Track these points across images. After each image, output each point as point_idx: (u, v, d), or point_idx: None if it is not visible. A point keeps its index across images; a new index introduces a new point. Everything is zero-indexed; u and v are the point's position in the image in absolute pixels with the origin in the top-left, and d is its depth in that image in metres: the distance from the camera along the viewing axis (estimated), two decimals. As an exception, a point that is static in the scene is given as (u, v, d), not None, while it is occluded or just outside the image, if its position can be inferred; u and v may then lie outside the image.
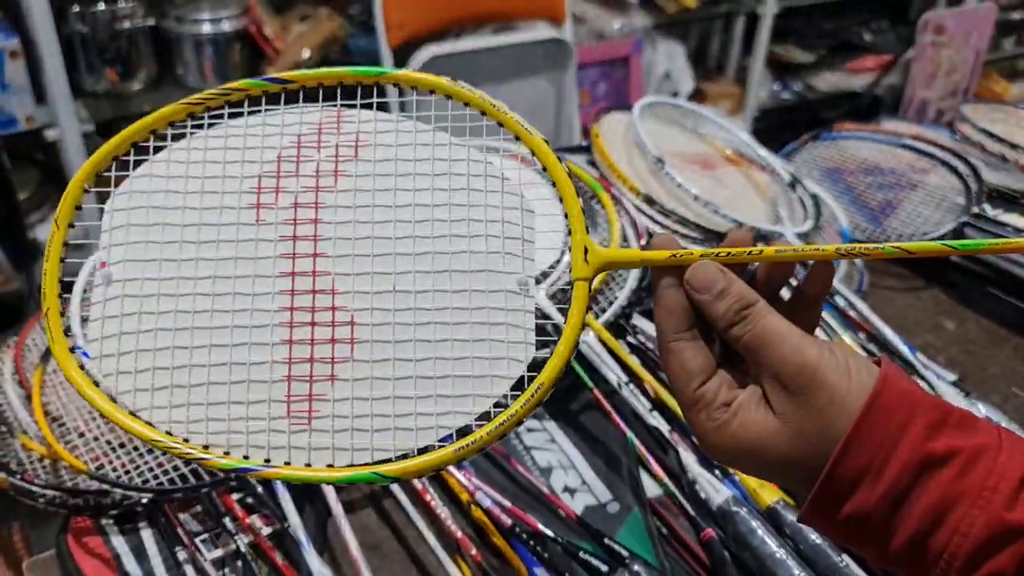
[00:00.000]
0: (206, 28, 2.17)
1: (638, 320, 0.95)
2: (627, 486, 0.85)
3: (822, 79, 3.16)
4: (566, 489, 0.86)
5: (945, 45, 3.20)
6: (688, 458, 0.77)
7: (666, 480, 0.78)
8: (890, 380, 0.43)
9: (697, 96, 2.90)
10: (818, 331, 0.86)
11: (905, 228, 1.20)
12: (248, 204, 0.49)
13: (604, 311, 0.91)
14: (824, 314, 0.99)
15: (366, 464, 0.45)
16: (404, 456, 0.45)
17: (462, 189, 0.50)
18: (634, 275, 0.93)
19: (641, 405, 0.82)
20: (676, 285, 0.46)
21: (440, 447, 0.44)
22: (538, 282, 0.90)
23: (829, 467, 0.42)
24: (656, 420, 0.81)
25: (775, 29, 2.93)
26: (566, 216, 0.49)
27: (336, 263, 0.48)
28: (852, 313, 0.99)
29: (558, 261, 0.90)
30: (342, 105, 0.52)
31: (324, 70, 0.51)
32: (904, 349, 0.94)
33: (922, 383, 0.92)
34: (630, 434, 0.82)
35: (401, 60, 2.13)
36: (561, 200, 0.50)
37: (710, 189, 1.05)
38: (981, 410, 0.87)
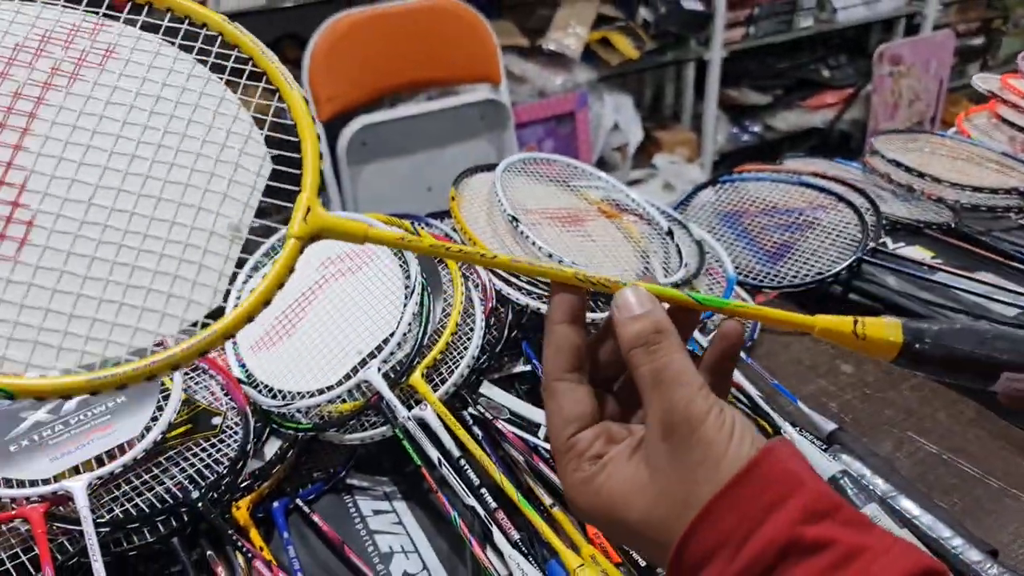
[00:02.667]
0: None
1: (486, 388, 0.90)
2: (468, 570, 0.80)
3: (781, 119, 3.15)
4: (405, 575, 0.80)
5: (904, 75, 3.18)
6: (502, 541, 0.72)
7: (488, 564, 0.73)
8: (775, 453, 0.39)
9: (651, 144, 2.89)
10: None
11: (800, 268, 1.15)
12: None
13: (444, 382, 0.86)
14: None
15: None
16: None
17: (201, 124, 0.47)
18: (476, 343, 0.88)
19: (461, 484, 0.76)
20: (568, 322, 0.45)
21: (77, 373, 0.41)
22: (372, 356, 0.86)
23: (683, 534, 0.38)
24: (474, 501, 0.75)
25: (727, 73, 2.93)
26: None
27: (38, 161, 0.45)
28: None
29: (392, 334, 0.86)
30: (105, 15, 0.50)
31: None
32: (763, 404, 0.89)
33: (789, 433, 0.86)
34: (453, 514, 0.76)
35: (333, 132, 2.13)
36: (301, 159, 0.47)
37: (573, 245, 1.01)
38: (841, 461, 0.81)
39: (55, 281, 0.43)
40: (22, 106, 0.46)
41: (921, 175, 1.31)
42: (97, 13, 0.50)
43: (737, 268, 1.15)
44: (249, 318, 0.43)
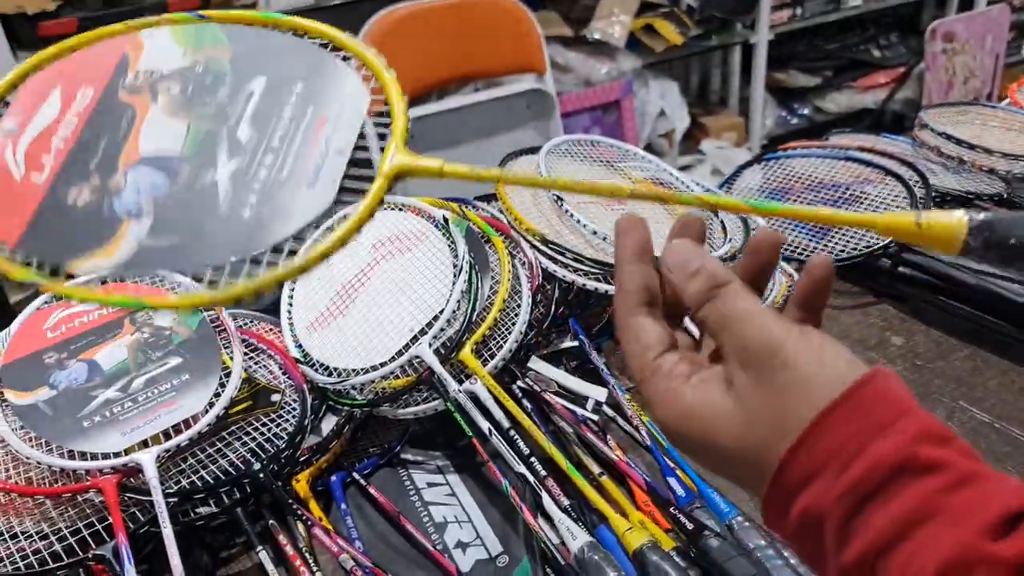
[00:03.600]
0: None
1: (535, 363, 0.92)
2: (520, 537, 0.82)
3: (831, 100, 3.10)
4: (459, 544, 0.82)
5: (958, 52, 3.11)
6: (551, 506, 0.73)
7: (538, 528, 0.75)
8: (883, 376, 0.38)
9: (698, 130, 2.88)
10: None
11: (848, 242, 1.14)
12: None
13: (493, 357, 0.88)
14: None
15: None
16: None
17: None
18: (523, 318, 0.90)
19: (511, 453, 0.78)
20: (635, 260, 0.45)
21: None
22: (423, 333, 0.89)
23: (785, 454, 0.38)
24: (524, 468, 0.77)
25: (774, 56, 2.90)
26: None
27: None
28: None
29: (443, 311, 0.88)
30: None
31: (238, 13, 0.56)
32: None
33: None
34: (505, 483, 0.78)
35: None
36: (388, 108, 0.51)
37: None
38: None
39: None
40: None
41: (972, 147, 1.29)
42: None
43: (784, 244, 1.15)
44: (343, 242, 0.46)
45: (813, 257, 0.45)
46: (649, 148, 2.73)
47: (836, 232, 1.16)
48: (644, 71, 2.67)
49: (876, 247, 1.11)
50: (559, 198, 1.00)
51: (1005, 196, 1.22)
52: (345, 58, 0.54)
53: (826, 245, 1.15)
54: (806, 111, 3.08)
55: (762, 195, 1.27)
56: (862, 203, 1.20)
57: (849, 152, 1.28)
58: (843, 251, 1.13)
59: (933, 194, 1.19)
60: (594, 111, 2.58)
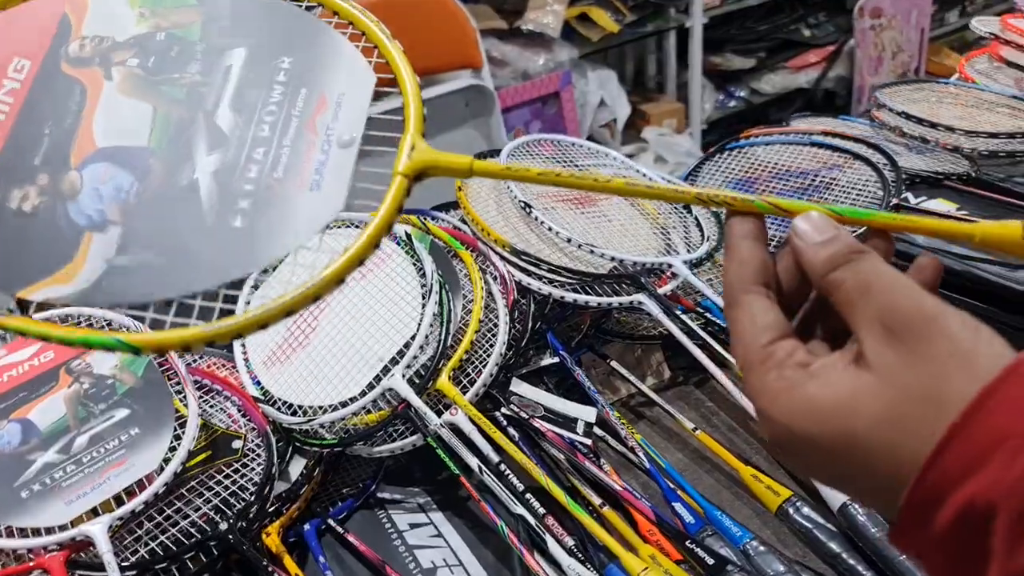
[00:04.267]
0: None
1: (517, 385, 0.85)
2: (518, 580, 0.75)
3: (767, 82, 3.10)
4: (452, 591, 0.76)
5: (885, 27, 3.14)
6: (557, 550, 0.67)
7: (542, 574, 0.68)
8: None
9: (639, 118, 2.84)
10: (710, 365, 0.77)
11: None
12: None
13: (472, 383, 0.82)
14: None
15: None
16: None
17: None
18: (502, 338, 0.84)
19: (505, 491, 0.72)
20: (752, 237, 0.42)
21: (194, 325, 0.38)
22: (395, 362, 0.81)
23: (949, 429, 0.32)
24: (522, 508, 0.71)
25: (709, 39, 2.88)
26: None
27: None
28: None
29: (413, 336, 0.81)
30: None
31: None
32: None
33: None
34: (501, 524, 0.72)
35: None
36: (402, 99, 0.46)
37: (589, 228, 0.97)
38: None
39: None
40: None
41: (933, 125, 1.27)
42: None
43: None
44: (359, 261, 0.40)
45: (922, 257, 0.43)
46: (591, 139, 2.68)
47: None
48: (581, 61, 2.62)
49: (855, 235, 1.07)
50: (527, 204, 0.94)
51: (972, 175, 1.19)
52: (337, 25, 0.47)
53: (800, 236, 1.11)
54: (743, 93, 3.07)
55: (728, 186, 1.23)
56: (831, 189, 1.17)
57: (813, 137, 1.24)
58: (818, 241, 1.09)
59: (903, 176, 1.16)
60: (533, 104, 2.52)
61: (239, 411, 0.85)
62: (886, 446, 0.34)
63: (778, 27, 3.16)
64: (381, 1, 2.14)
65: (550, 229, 0.91)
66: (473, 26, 2.24)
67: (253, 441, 0.82)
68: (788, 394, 0.37)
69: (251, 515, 0.75)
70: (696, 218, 1.03)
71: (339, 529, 0.80)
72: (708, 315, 0.92)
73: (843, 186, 1.16)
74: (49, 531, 0.69)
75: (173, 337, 0.38)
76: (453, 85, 2.20)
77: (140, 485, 0.73)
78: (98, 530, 0.68)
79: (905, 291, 0.36)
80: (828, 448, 0.36)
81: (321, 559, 0.77)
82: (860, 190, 1.15)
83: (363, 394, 0.81)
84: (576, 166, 1.08)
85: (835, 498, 0.73)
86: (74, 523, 0.69)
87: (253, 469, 0.80)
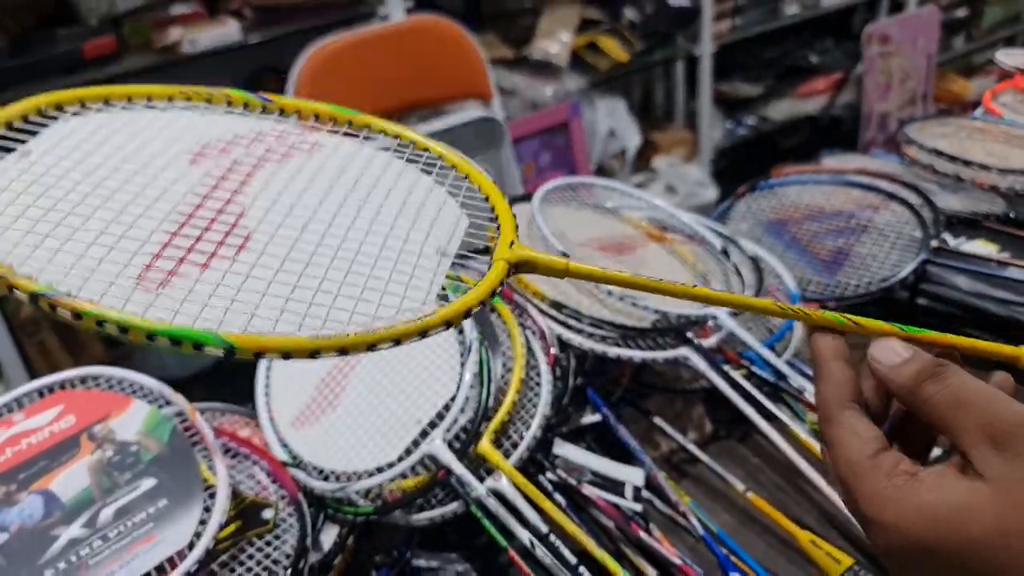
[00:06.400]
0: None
1: (560, 447, 0.81)
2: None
3: (775, 109, 3.08)
4: (499, 671, 0.72)
5: (893, 54, 3.12)
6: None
7: (602, 658, 0.64)
8: None
9: (649, 148, 2.82)
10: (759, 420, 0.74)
11: (862, 276, 1.07)
12: (193, 152, 0.55)
13: (515, 446, 0.78)
14: (779, 400, 0.86)
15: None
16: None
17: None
18: (545, 398, 0.80)
19: (559, 565, 0.68)
20: (840, 356, 0.45)
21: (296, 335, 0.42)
22: (433, 426, 0.78)
23: None
24: (578, 584, 0.67)
25: (717, 67, 2.86)
26: (495, 217, 0.51)
27: (254, 203, 0.51)
28: (808, 396, 0.86)
29: (453, 398, 0.78)
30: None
31: (304, 102, 0.60)
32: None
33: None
34: (554, 603, 0.68)
35: (327, 165, 2.04)
36: (489, 200, 0.53)
37: (628, 277, 0.93)
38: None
39: (274, 267, 0.47)
40: (239, 170, 0.54)
41: (967, 163, 1.24)
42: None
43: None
44: (467, 313, 0.45)
45: (997, 375, 0.44)
46: (601, 169, 2.66)
47: (848, 265, 1.09)
48: (590, 91, 2.60)
49: (893, 280, 1.04)
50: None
51: (1012, 215, 1.16)
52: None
53: (839, 281, 1.08)
54: (751, 121, 3.05)
55: (760, 227, 1.20)
56: (868, 231, 1.14)
57: (847, 177, 1.21)
58: (858, 286, 1.06)
59: (940, 217, 1.13)
60: (542, 135, 2.50)
61: (269, 477, 0.81)
62: (1003, 552, 0.36)
63: (786, 54, 3.15)
64: (388, 33, 2.13)
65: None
66: (482, 56, 2.22)
67: (284, 510, 0.78)
68: (901, 501, 0.38)
69: (286, 592, 0.71)
70: (735, 265, 0.99)
71: (376, 602, 0.76)
72: (752, 367, 0.89)
73: (880, 228, 1.13)
74: (75, 616, 0.65)
75: (275, 342, 0.41)
76: (464, 117, 2.18)
77: (171, 562, 0.69)
78: (127, 615, 0.64)
79: (1002, 402, 0.38)
80: (944, 554, 0.37)
81: (359, 636, 0.73)
82: (899, 232, 1.12)
83: (400, 459, 0.78)
84: (611, 211, 1.05)
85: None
86: (101, 607, 0.65)
87: (285, 541, 0.76)
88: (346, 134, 0.59)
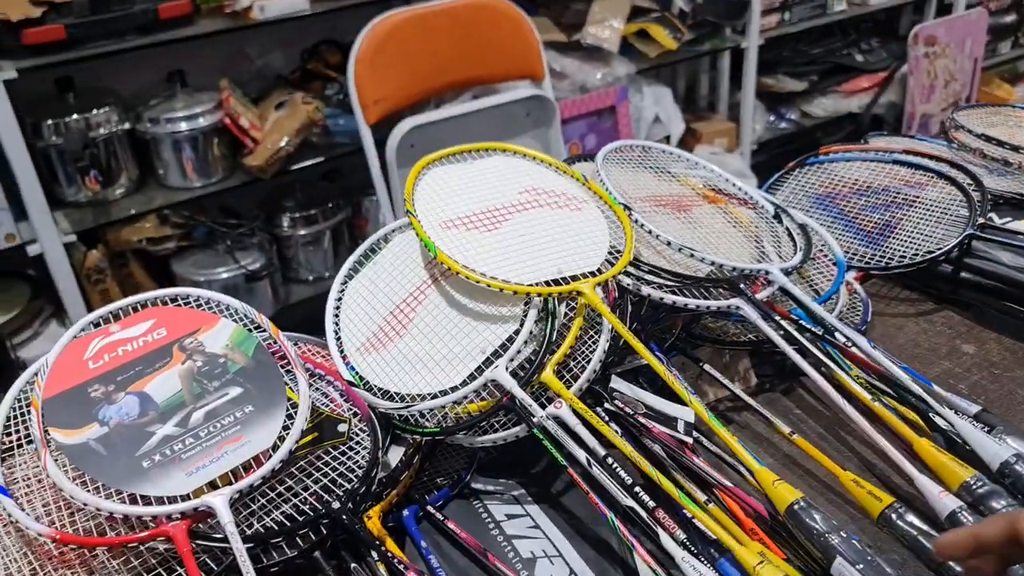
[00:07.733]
0: (182, 127, 2.15)
1: (616, 383, 0.86)
2: (620, 572, 0.76)
3: (817, 105, 3.10)
4: (554, 582, 0.77)
5: (939, 55, 3.13)
6: (670, 543, 0.68)
7: (654, 566, 0.69)
8: None
9: (691, 136, 2.85)
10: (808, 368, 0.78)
11: (907, 248, 1.11)
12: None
13: (576, 378, 0.83)
14: (826, 354, 0.90)
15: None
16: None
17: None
18: (605, 335, 0.85)
19: (615, 483, 0.72)
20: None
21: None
22: (497, 355, 0.83)
23: None
24: (632, 501, 0.71)
25: (763, 61, 2.89)
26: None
27: None
28: (855, 351, 0.90)
29: (518, 331, 0.83)
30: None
31: None
32: (915, 387, 0.85)
33: (939, 420, 0.82)
34: (611, 516, 0.73)
35: (382, 135, 2.09)
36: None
37: (685, 232, 0.98)
38: (1009, 443, 0.77)
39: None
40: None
41: (1016, 148, 1.27)
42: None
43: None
44: None
45: None
46: (644, 154, 2.69)
47: (894, 238, 1.13)
48: (637, 77, 2.64)
49: (939, 252, 1.07)
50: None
51: (1057, 199, 1.19)
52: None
53: (884, 251, 1.12)
54: (793, 116, 3.07)
55: (809, 199, 1.24)
56: (914, 207, 1.17)
57: (896, 155, 1.25)
58: (904, 257, 1.10)
59: (988, 196, 1.16)
60: (589, 117, 2.54)
61: (341, 395, 0.86)
62: None
63: (831, 51, 3.17)
64: (448, 8, 2.18)
65: (650, 232, 0.93)
66: (537, 37, 2.26)
67: (357, 425, 0.83)
68: None
69: (359, 497, 0.77)
70: (787, 229, 1.03)
71: (439, 516, 0.81)
72: (801, 322, 0.93)
73: (927, 204, 1.17)
74: (172, 500, 0.70)
75: None
76: (516, 95, 2.22)
77: (256, 461, 0.74)
78: (220, 501, 0.70)
79: None
80: None
81: (423, 543, 0.78)
82: (945, 209, 1.15)
83: (464, 384, 0.83)
84: (669, 172, 1.09)
85: (942, 505, 0.73)
86: (195, 494, 0.71)
87: (359, 452, 0.81)
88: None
